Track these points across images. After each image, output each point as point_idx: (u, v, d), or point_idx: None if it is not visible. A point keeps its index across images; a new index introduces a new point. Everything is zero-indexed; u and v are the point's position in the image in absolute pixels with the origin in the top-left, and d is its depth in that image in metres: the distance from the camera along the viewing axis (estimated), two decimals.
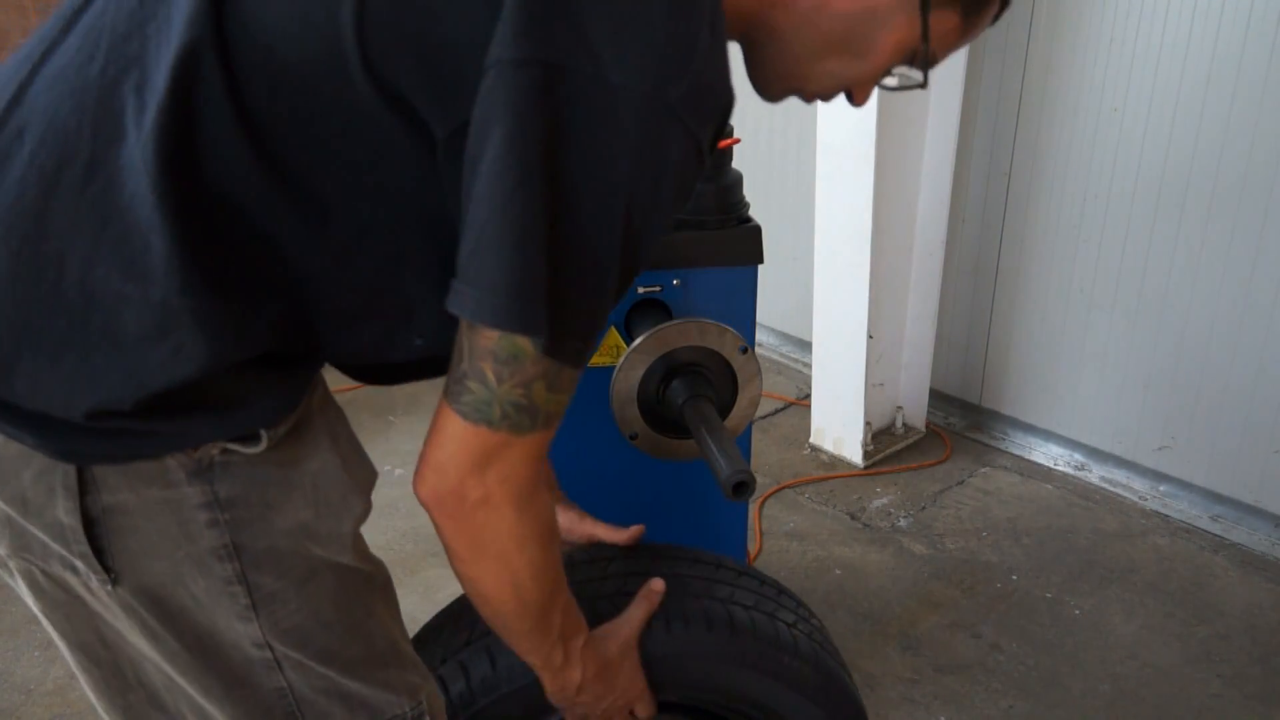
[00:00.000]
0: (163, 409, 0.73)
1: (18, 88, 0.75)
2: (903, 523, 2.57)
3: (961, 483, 2.75)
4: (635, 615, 1.10)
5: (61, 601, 0.83)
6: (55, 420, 0.72)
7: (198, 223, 0.69)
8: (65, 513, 0.75)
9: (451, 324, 0.76)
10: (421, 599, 2.23)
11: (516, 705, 1.11)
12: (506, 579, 0.84)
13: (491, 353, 0.73)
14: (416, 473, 0.80)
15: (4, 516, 0.78)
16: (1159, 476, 2.64)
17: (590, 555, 1.24)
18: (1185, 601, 2.25)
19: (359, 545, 0.89)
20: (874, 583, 2.33)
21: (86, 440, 0.73)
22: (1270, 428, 2.38)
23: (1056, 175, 2.61)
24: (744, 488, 1.19)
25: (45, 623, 0.85)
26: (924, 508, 2.64)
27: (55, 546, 0.77)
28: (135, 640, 0.83)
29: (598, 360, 1.55)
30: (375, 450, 2.69)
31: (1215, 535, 2.48)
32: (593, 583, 1.19)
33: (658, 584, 1.14)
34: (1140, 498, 2.64)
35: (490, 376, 0.74)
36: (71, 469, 0.74)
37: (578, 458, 1.57)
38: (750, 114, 3.22)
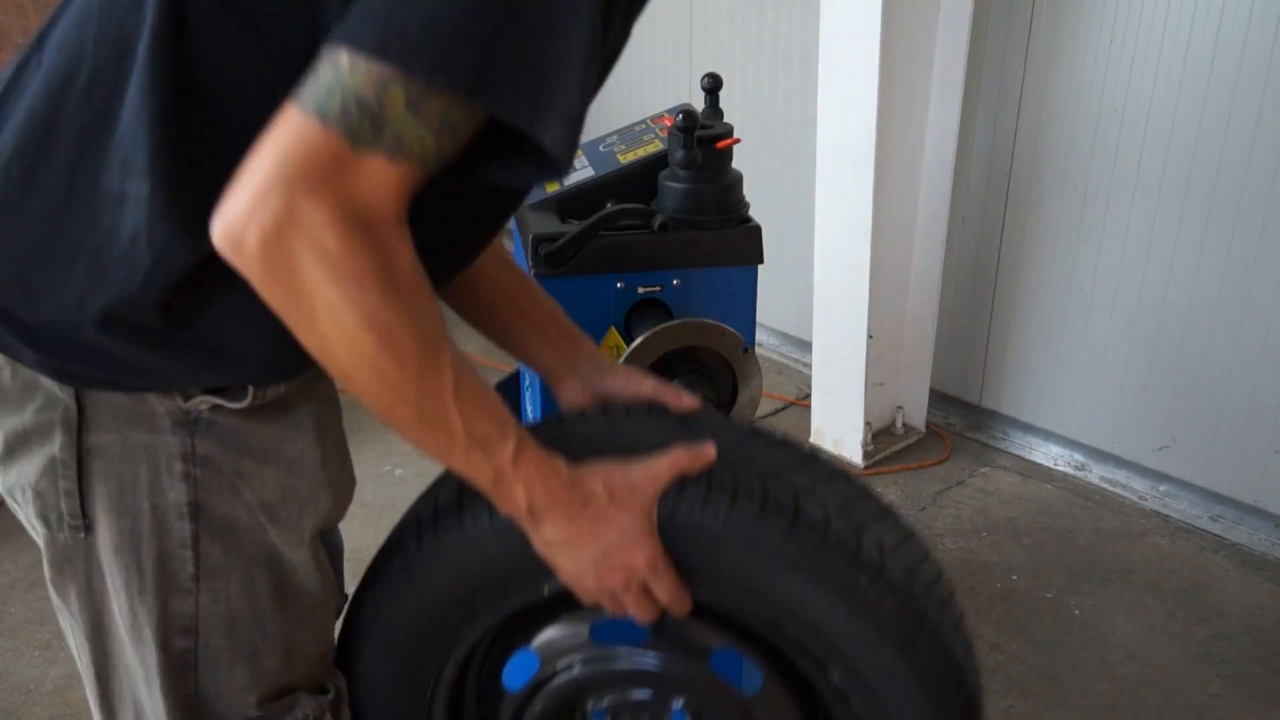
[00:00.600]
0: (163, 336, 0.75)
1: (39, 35, 0.79)
2: None
3: (961, 483, 2.75)
4: (656, 464, 0.87)
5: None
6: (63, 336, 0.75)
7: (184, 114, 0.70)
8: (61, 448, 0.78)
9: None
10: None
11: (504, 552, 0.90)
12: (350, 337, 0.68)
13: (355, 53, 0.65)
14: (221, 202, 0.67)
15: (4, 448, 0.82)
16: (1159, 476, 2.64)
17: (638, 409, 1.00)
18: (1185, 601, 2.25)
19: (315, 552, 0.88)
20: None
21: (89, 360, 0.76)
22: (1270, 428, 2.38)
23: (1056, 175, 2.61)
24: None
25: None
26: (924, 508, 2.64)
27: (43, 482, 0.80)
28: (79, 604, 0.86)
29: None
30: (375, 450, 2.69)
31: (1215, 535, 2.48)
32: (634, 442, 0.93)
33: (708, 447, 0.90)
34: (1140, 498, 2.64)
35: (344, 63, 0.65)
36: (72, 404, 0.77)
37: None
38: (750, 114, 3.22)
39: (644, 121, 1.86)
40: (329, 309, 0.67)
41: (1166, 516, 2.56)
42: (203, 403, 0.79)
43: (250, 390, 0.80)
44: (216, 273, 0.71)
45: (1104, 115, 2.47)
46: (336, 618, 1.01)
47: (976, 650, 0.98)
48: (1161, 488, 2.63)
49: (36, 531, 0.85)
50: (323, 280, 0.66)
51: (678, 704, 1.00)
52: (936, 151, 2.64)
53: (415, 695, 1.00)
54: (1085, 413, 2.74)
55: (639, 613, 0.89)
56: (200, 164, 0.71)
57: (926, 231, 2.74)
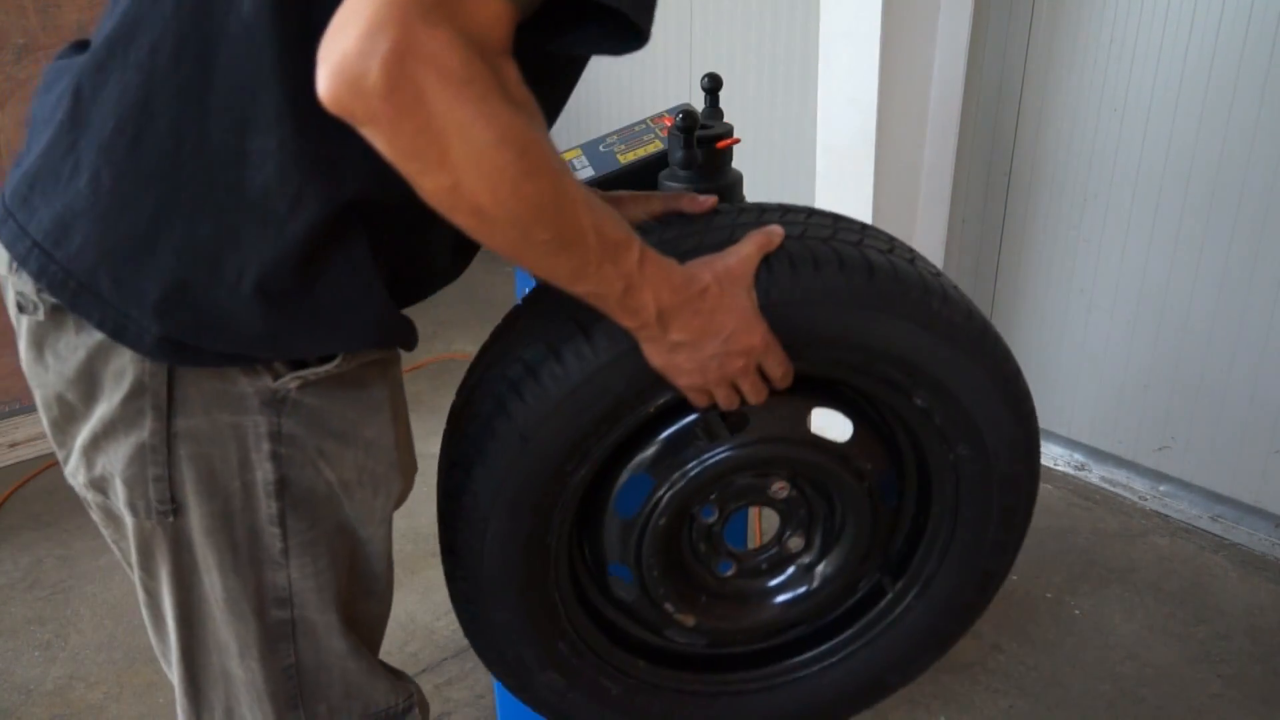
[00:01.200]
0: (288, 295, 0.78)
1: (105, 22, 0.82)
2: None
3: None
4: (743, 248, 0.91)
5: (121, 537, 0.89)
6: (189, 302, 0.77)
7: (301, 71, 0.70)
8: (150, 434, 0.81)
9: None
10: (421, 599, 2.23)
11: (619, 380, 0.94)
12: (490, 158, 0.67)
13: None
14: (320, 66, 0.65)
15: (90, 440, 0.84)
16: (1159, 476, 2.64)
17: (672, 220, 1.05)
18: (1185, 601, 2.25)
19: (386, 534, 0.92)
20: None
21: (207, 329, 0.78)
22: (1270, 428, 2.38)
23: (1056, 175, 2.61)
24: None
25: (114, 548, 0.94)
26: None
27: (130, 470, 0.82)
28: (169, 586, 0.89)
29: None
30: None
31: (1215, 535, 2.48)
32: (689, 237, 0.99)
33: (776, 228, 0.95)
34: (1140, 498, 2.64)
35: None
36: (162, 390, 0.80)
37: None
38: (751, 114, 3.22)
39: (644, 121, 1.85)
40: (462, 132, 0.65)
41: (1166, 516, 2.56)
42: (291, 380, 0.82)
43: (339, 357, 0.83)
44: (343, 227, 0.76)
45: (1104, 115, 2.47)
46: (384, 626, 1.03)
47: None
48: (1161, 488, 2.63)
49: (122, 521, 0.87)
50: (454, 101, 0.64)
51: (780, 480, 1.11)
52: (936, 151, 2.64)
53: (540, 557, 1.03)
54: (1085, 413, 2.74)
55: (753, 394, 0.94)
56: (322, 116, 0.69)
57: (926, 231, 2.74)
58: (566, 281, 0.79)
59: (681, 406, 1.00)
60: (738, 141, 1.63)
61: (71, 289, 0.78)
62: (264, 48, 0.73)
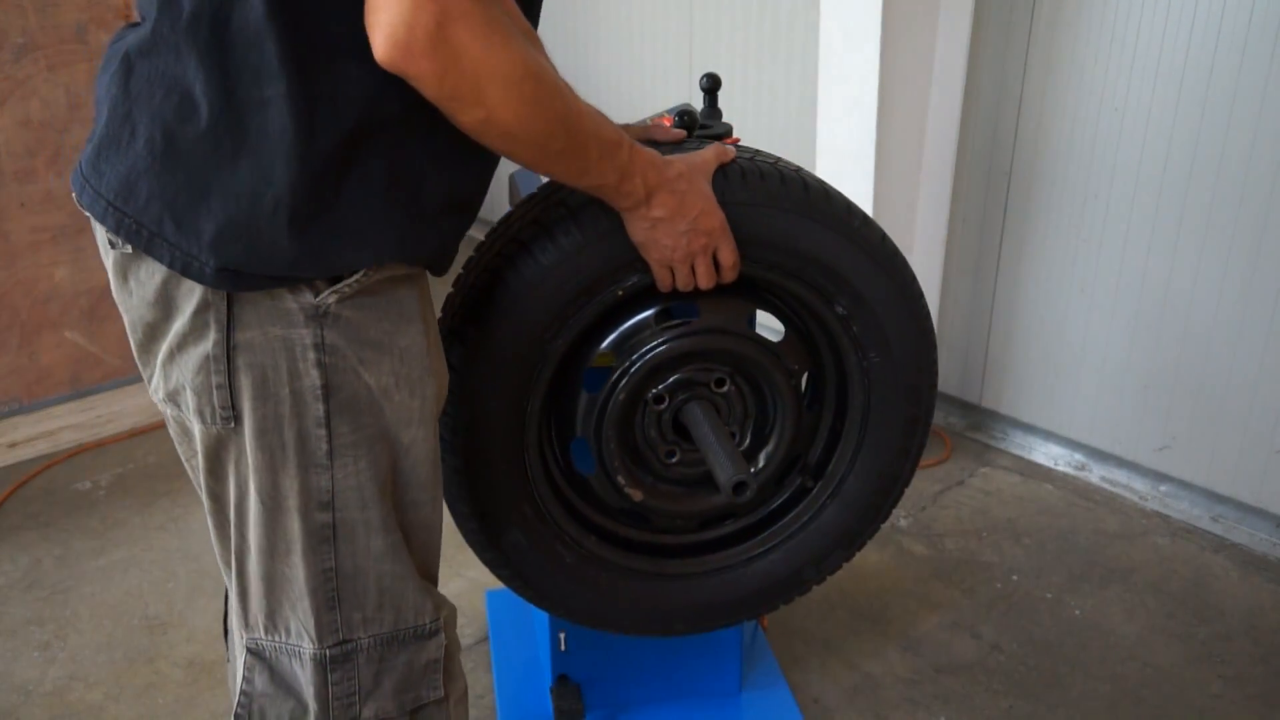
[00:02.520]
0: (313, 219, 0.89)
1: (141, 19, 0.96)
2: (903, 523, 2.57)
3: (961, 483, 2.75)
4: (703, 153, 1.16)
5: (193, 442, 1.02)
6: (238, 237, 0.89)
7: (293, 24, 0.85)
8: (214, 344, 0.93)
9: None
10: None
11: (599, 261, 1.17)
12: (515, 93, 0.87)
13: None
14: (373, 39, 0.83)
15: (167, 354, 0.96)
16: (1159, 476, 2.63)
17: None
18: (1186, 602, 2.25)
19: (426, 435, 1.03)
20: (874, 583, 2.33)
21: (256, 256, 0.89)
22: (1270, 428, 2.38)
23: (1056, 175, 2.60)
24: (743, 487, 1.22)
25: (186, 466, 1.08)
26: (924, 508, 2.64)
27: (198, 379, 0.94)
28: (230, 488, 1.00)
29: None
30: None
31: (1216, 535, 2.48)
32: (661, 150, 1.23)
33: (729, 147, 1.20)
34: (1140, 498, 2.64)
35: None
36: (223, 306, 0.91)
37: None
38: (751, 115, 3.22)
39: (643, 121, 1.86)
40: (493, 75, 0.85)
41: (1167, 516, 2.56)
42: (330, 295, 0.93)
43: (364, 272, 0.94)
44: (354, 153, 0.89)
45: (1104, 115, 2.47)
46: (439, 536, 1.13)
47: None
48: (1162, 488, 2.63)
49: (192, 434, 0.99)
50: (483, 51, 0.83)
51: (720, 372, 1.33)
52: (936, 151, 2.64)
53: (516, 420, 1.25)
54: (1085, 413, 2.74)
55: (705, 278, 1.16)
56: (322, 52, 0.86)
57: (926, 231, 2.74)
58: (574, 178, 1.00)
59: (641, 299, 1.25)
60: (737, 141, 1.63)
61: (145, 237, 0.91)
62: (258, 6, 0.85)
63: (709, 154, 1.16)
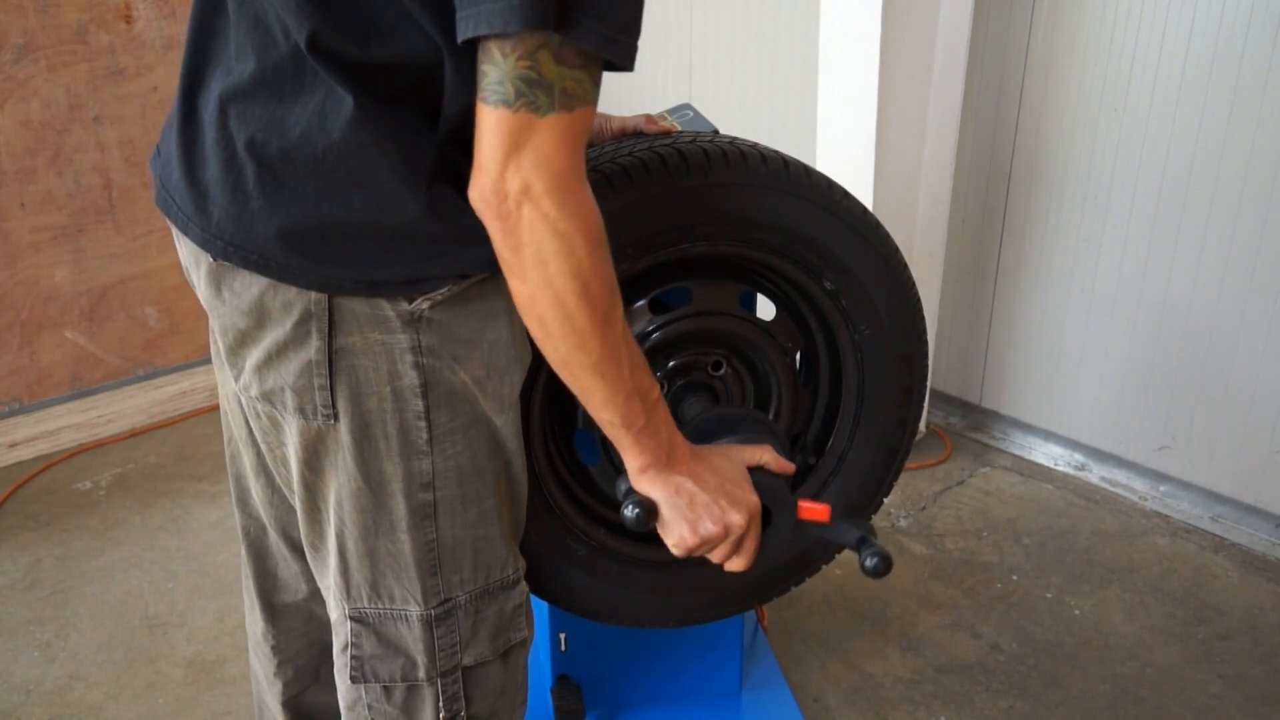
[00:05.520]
0: (397, 227, 0.94)
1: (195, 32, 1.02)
2: (903, 523, 2.57)
3: (961, 483, 2.75)
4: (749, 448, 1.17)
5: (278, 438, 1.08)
6: (346, 247, 0.94)
7: (359, 75, 0.90)
8: (316, 351, 0.98)
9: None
10: None
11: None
12: (558, 286, 0.89)
13: (497, 39, 0.84)
14: (470, 183, 0.89)
15: (263, 359, 1.00)
16: (1159, 476, 2.63)
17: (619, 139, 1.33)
18: (1186, 602, 2.25)
19: (515, 418, 1.09)
20: (874, 583, 2.33)
21: (360, 264, 0.95)
22: (1270, 428, 2.38)
23: (1056, 175, 2.60)
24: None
25: (263, 446, 1.12)
26: (924, 508, 2.64)
27: (300, 381, 0.99)
28: (329, 478, 1.06)
29: None
30: None
31: (1216, 535, 2.48)
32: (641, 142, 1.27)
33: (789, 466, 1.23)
34: (1140, 498, 2.64)
35: (496, 53, 0.83)
36: (325, 316, 0.96)
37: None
38: (750, 116, 3.22)
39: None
40: (547, 261, 0.88)
41: (1167, 516, 2.56)
42: (423, 302, 0.98)
43: (451, 283, 0.98)
44: (436, 175, 0.93)
45: (1104, 115, 2.47)
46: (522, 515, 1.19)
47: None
48: (1162, 488, 2.63)
49: (283, 427, 1.05)
50: (545, 235, 0.87)
51: (716, 355, 1.37)
52: (936, 151, 2.64)
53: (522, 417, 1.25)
54: (1085, 413, 2.74)
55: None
56: (379, 72, 0.91)
57: (926, 231, 2.74)
58: (598, 405, 0.99)
59: (635, 285, 1.28)
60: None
61: (274, 269, 0.96)
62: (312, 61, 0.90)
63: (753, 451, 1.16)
